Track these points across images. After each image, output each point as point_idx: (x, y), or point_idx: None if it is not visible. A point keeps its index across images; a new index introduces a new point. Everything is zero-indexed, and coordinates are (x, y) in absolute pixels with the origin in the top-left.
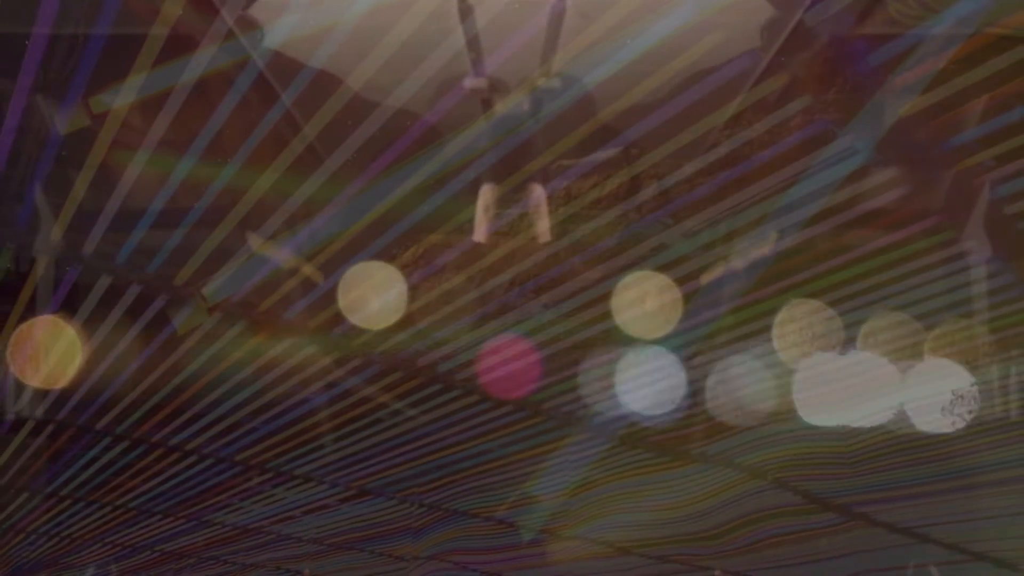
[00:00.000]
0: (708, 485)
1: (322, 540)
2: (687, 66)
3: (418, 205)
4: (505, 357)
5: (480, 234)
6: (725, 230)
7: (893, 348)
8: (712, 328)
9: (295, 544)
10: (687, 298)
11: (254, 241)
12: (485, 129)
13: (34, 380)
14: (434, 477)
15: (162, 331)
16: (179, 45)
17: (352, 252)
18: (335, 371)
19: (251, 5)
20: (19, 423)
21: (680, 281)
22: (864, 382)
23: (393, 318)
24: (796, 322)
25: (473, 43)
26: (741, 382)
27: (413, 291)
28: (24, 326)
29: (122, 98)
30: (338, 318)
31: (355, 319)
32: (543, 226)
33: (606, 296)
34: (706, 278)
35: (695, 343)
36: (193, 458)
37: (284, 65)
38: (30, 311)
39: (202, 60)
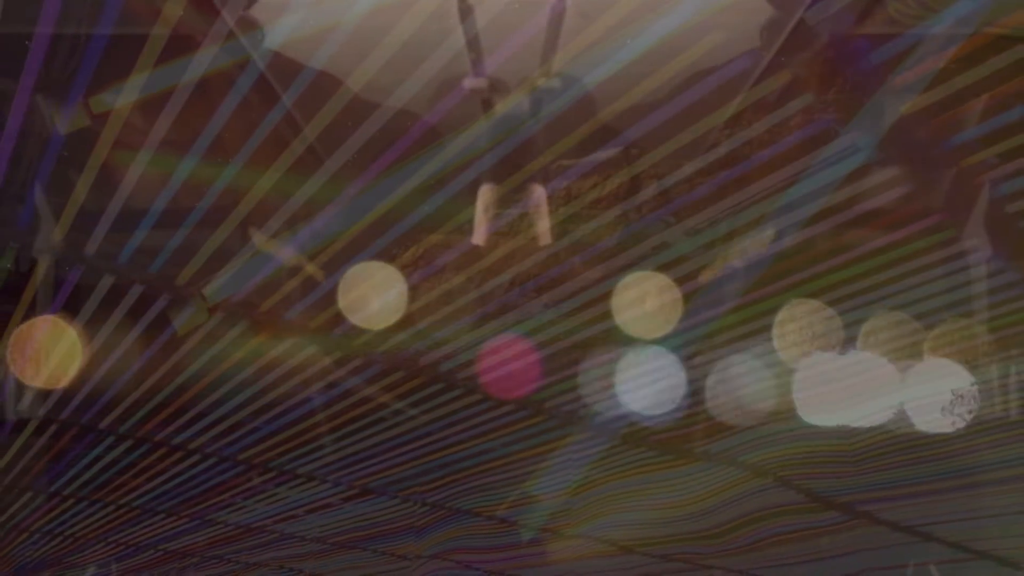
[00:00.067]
0: (710, 484)
1: (325, 539)
2: (687, 66)
3: (418, 205)
4: (505, 357)
5: (479, 237)
6: (725, 229)
7: (893, 348)
8: (713, 327)
9: (298, 543)
10: (688, 297)
11: (255, 241)
12: (485, 129)
13: (35, 381)
14: (436, 476)
15: (164, 331)
16: (180, 45)
17: (352, 252)
18: (337, 370)
19: (252, 5)
20: (22, 423)
21: (680, 280)
22: (864, 382)
23: (393, 318)
24: (797, 321)
25: (473, 43)
26: (742, 381)
27: (413, 291)
28: (25, 326)
29: (124, 98)
30: (339, 318)
31: (356, 319)
32: (543, 226)
33: (606, 296)
34: (706, 277)
35: (696, 342)
36: (196, 457)
37: (285, 65)
38: (32, 311)
39: (203, 60)
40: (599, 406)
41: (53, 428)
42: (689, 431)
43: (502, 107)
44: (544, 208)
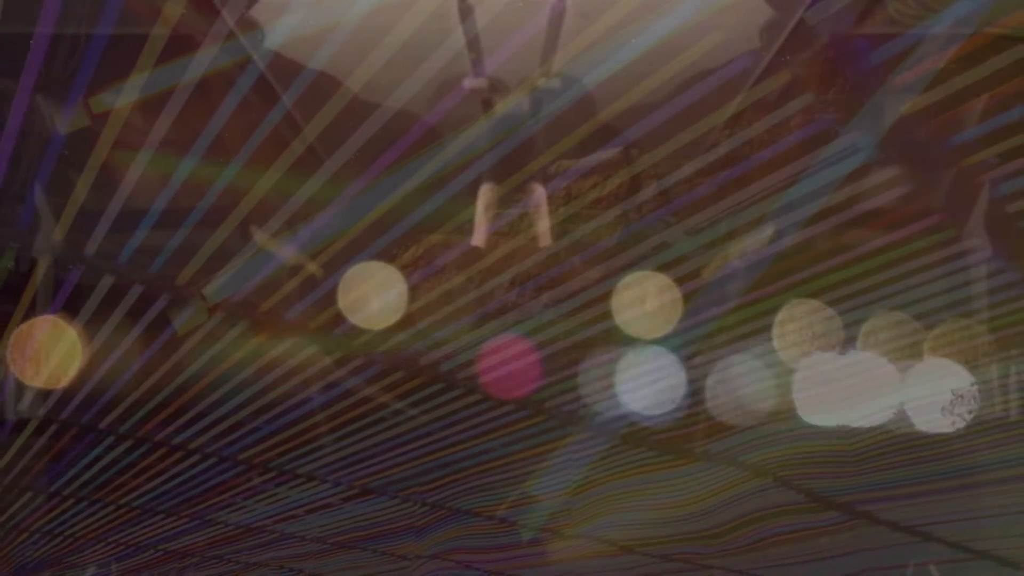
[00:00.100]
0: (711, 484)
1: (325, 539)
2: (687, 66)
3: (418, 205)
4: (505, 357)
5: (479, 237)
6: (726, 229)
7: (893, 348)
8: (713, 327)
9: (298, 543)
10: (688, 297)
11: (256, 240)
12: (485, 129)
13: (35, 380)
14: (436, 476)
15: (164, 331)
16: (180, 45)
17: (353, 252)
18: (337, 370)
19: (252, 5)
20: (22, 423)
21: (681, 280)
22: (864, 382)
23: (394, 318)
24: (797, 321)
25: (473, 43)
26: (742, 381)
27: (413, 291)
28: (26, 326)
29: (124, 98)
30: (339, 318)
31: (356, 319)
32: (543, 226)
33: (606, 296)
34: (707, 277)
35: (696, 342)
36: (196, 457)
37: (285, 65)
38: (32, 311)
39: (203, 60)
40: (599, 406)
41: (53, 428)
42: (689, 431)
43: (502, 107)
44: (544, 208)
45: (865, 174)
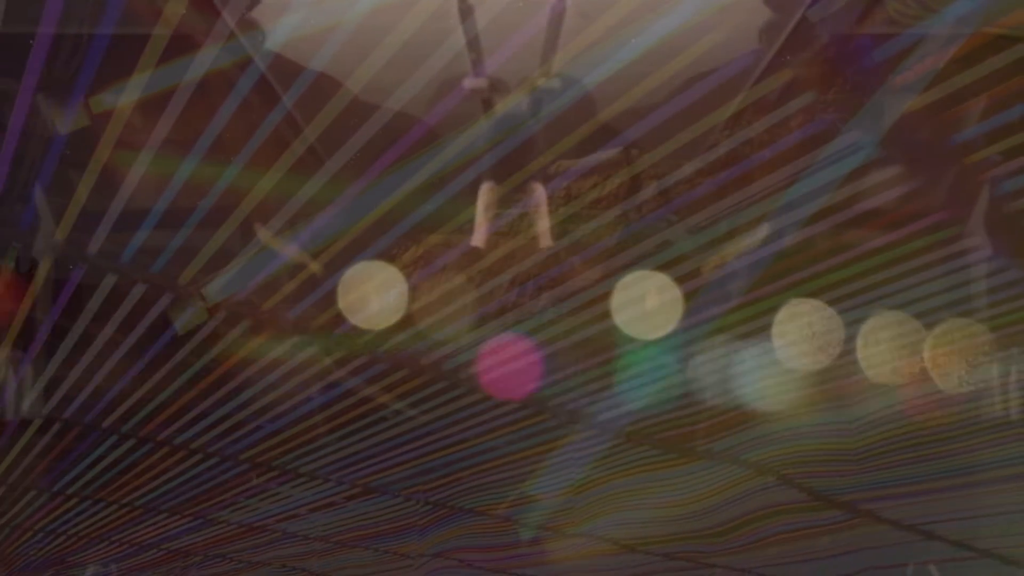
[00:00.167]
0: (713, 482)
1: (327, 538)
2: (687, 66)
3: (418, 205)
4: (506, 357)
5: (479, 237)
6: (727, 228)
7: (895, 347)
8: (715, 325)
9: (301, 542)
10: (689, 296)
11: (256, 241)
12: (485, 129)
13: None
14: (439, 475)
15: (167, 330)
16: (182, 46)
17: (353, 252)
18: (339, 370)
19: (253, 6)
20: (25, 422)
21: (682, 279)
22: (866, 380)
23: (394, 318)
24: (798, 320)
25: (473, 43)
26: (744, 380)
27: (414, 291)
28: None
29: (125, 98)
30: (341, 318)
31: (356, 319)
32: (543, 227)
33: (607, 295)
34: (708, 276)
35: (697, 341)
36: (198, 457)
37: (285, 66)
38: (33, 311)
39: (205, 61)
40: (601, 405)
41: (56, 427)
42: (691, 430)
43: (502, 107)
44: (544, 208)
45: (865, 173)
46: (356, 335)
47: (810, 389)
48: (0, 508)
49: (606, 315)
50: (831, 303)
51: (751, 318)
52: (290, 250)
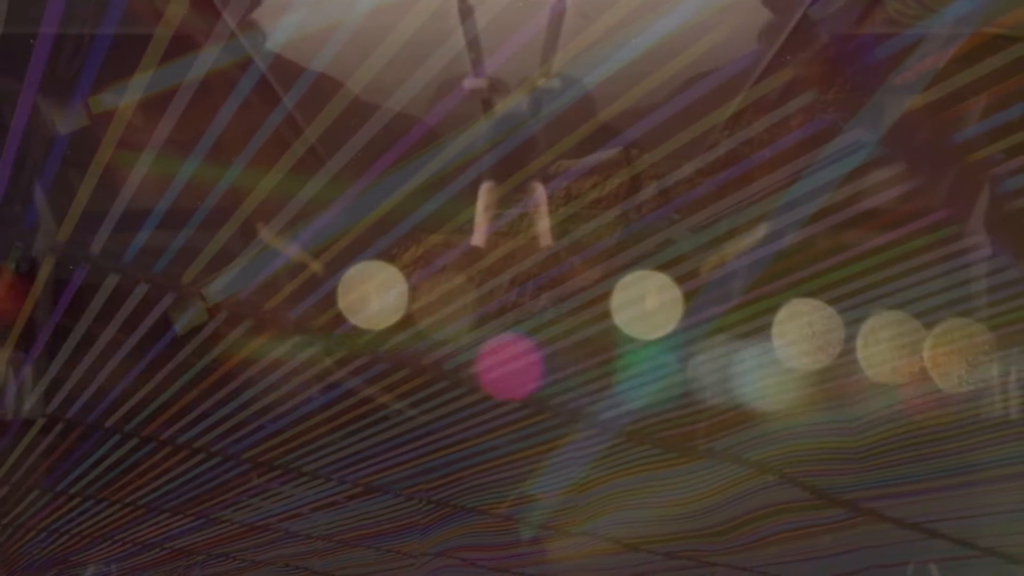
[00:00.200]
0: (714, 481)
1: (330, 537)
2: (687, 66)
3: (419, 205)
4: (506, 356)
5: (479, 237)
6: (728, 227)
7: (896, 346)
8: (716, 324)
9: (303, 541)
10: (690, 295)
11: (258, 241)
12: (485, 129)
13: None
14: (441, 474)
15: (169, 329)
16: (183, 46)
17: (354, 252)
18: (341, 369)
19: (254, 7)
20: (28, 422)
21: (683, 279)
22: (867, 379)
23: (395, 318)
24: (799, 319)
25: (473, 43)
26: (745, 379)
27: (414, 291)
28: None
29: (127, 98)
30: (342, 317)
31: (357, 319)
32: (543, 227)
33: (607, 295)
34: (707, 275)
35: (699, 340)
36: (201, 456)
37: (286, 66)
38: (36, 311)
39: (206, 61)
40: (602, 404)
41: (59, 427)
42: (692, 428)
43: (502, 107)
44: (544, 208)
45: (866, 173)
46: (357, 335)
47: (811, 388)
48: (3, 508)
49: (606, 315)
50: (831, 302)
51: (751, 317)
52: (291, 250)
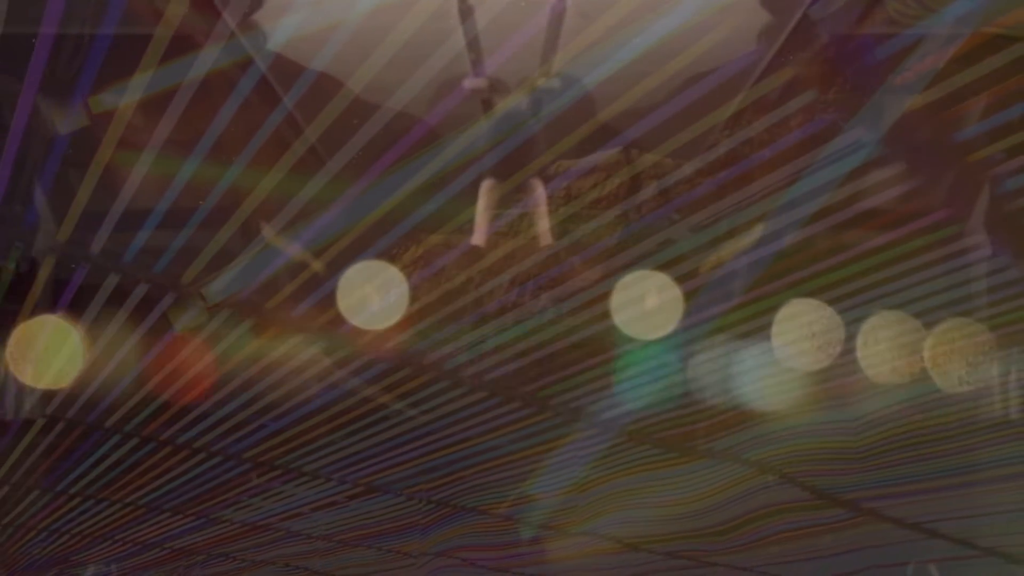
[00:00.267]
0: (715, 481)
1: (330, 537)
2: (687, 66)
3: (419, 205)
4: None
5: (479, 237)
6: (726, 228)
7: (897, 345)
8: (716, 324)
9: (304, 541)
10: (690, 295)
11: (259, 240)
12: (485, 129)
13: (35, 381)
14: (441, 474)
15: (170, 329)
16: (183, 46)
17: (354, 252)
18: (341, 369)
19: (254, 7)
20: (28, 422)
21: (683, 278)
22: (868, 379)
23: (395, 318)
24: (799, 319)
25: (473, 43)
26: (745, 378)
27: (414, 290)
28: (25, 327)
29: (127, 98)
30: (342, 317)
31: (356, 319)
32: (543, 227)
33: (607, 294)
34: (707, 275)
35: (699, 339)
36: (201, 456)
37: (286, 66)
38: (36, 311)
39: (206, 61)
40: (603, 404)
41: (59, 427)
42: (693, 428)
43: (502, 107)
44: (544, 208)
45: (866, 173)
46: (359, 334)
47: (811, 388)
48: (3, 508)
49: (606, 315)
50: (831, 302)
51: (752, 317)
52: (292, 250)
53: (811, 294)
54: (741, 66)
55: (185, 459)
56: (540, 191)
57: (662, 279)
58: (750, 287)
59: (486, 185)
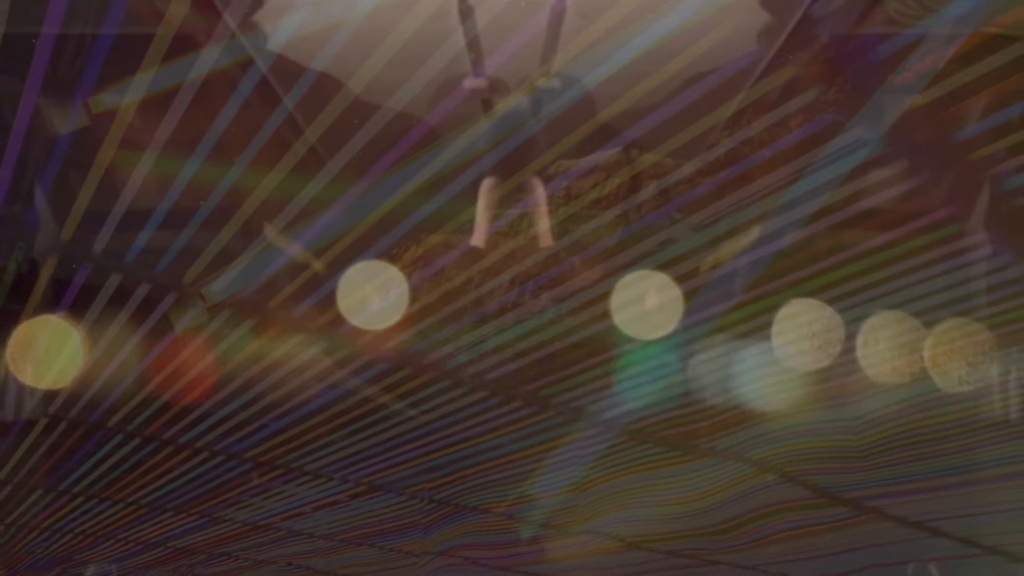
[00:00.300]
0: (717, 480)
1: (332, 536)
2: (687, 66)
3: (419, 205)
4: None
5: (479, 237)
6: (727, 227)
7: (898, 345)
8: (716, 324)
9: (306, 540)
10: (691, 294)
11: (261, 240)
12: (485, 129)
13: (37, 381)
14: (443, 473)
15: (172, 329)
16: (184, 46)
17: (354, 252)
18: (343, 368)
19: (254, 7)
20: (31, 422)
21: (683, 278)
22: (869, 378)
23: (395, 318)
24: (800, 318)
25: (473, 43)
26: (746, 378)
27: (415, 290)
28: (27, 327)
29: (129, 98)
30: (343, 317)
31: (356, 320)
32: (543, 227)
33: (607, 294)
34: (709, 274)
35: (700, 339)
36: (204, 455)
37: (287, 66)
38: (39, 310)
39: (207, 62)
40: (604, 403)
41: (62, 427)
42: (694, 427)
43: (502, 107)
44: (544, 208)
45: (866, 172)
46: (359, 334)
47: (812, 387)
48: (6, 507)
49: (606, 314)
50: (831, 302)
51: (752, 316)
52: (292, 250)
53: (811, 293)
54: (741, 66)
55: (187, 459)
56: (540, 191)
57: (662, 279)
58: (750, 287)
59: (486, 185)
